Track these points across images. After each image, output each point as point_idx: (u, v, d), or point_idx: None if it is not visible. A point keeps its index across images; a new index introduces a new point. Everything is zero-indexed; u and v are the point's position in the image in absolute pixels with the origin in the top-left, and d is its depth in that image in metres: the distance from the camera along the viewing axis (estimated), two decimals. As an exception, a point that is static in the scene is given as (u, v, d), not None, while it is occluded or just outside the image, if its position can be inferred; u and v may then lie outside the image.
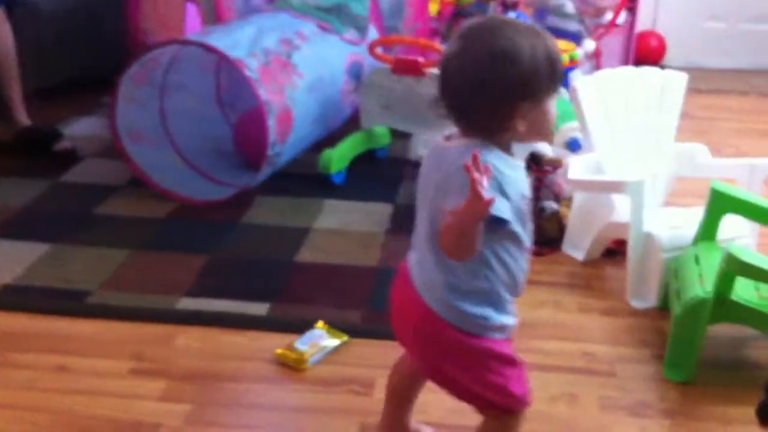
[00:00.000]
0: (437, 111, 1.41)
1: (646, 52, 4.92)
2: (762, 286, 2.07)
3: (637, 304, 2.35)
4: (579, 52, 3.92)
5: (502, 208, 1.31)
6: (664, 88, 2.67)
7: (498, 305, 1.45)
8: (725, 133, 3.95)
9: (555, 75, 1.38)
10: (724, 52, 5.08)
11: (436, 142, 1.47)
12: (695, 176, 2.59)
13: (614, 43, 4.47)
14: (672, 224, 2.38)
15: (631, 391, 1.99)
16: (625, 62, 4.45)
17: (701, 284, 2.03)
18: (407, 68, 3.05)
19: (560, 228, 2.65)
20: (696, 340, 2.01)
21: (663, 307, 2.30)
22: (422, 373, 1.61)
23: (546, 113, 1.39)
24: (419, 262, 1.48)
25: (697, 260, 2.16)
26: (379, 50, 3.19)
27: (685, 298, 2.03)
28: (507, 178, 1.34)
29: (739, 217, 2.29)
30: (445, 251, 1.37)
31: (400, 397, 1.72)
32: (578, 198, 2.63)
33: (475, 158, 1.27)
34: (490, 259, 1.40)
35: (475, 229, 1.31)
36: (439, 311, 1.44)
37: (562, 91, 3.52)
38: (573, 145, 3.10)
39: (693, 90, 4.58)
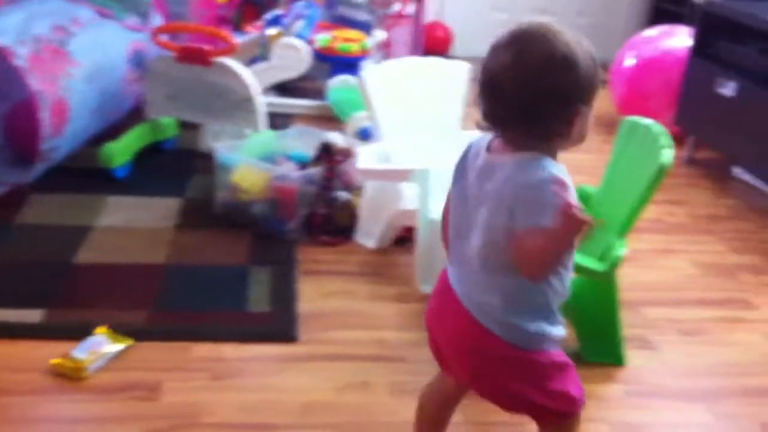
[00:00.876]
0: (483, 126, 1.34)
1: (434, 43, 5.06)
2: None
3: (426, 288, 2.39)
4: (369, 42, 3.97)
5: None
6: (448, 77, 2.73)
7: (550, 318, 1.42)
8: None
9: (599, 76, 1.35)
10: (506, 42, 5.31)
11: (477, 151, 1.40)
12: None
13: (403, 33, 4.56)
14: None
15: (422, 375, 2.00)
16: (414, 52, 4.55)
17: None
18: (193, 57, 2.95)
19: (352, 217, 2.66)
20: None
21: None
22: (475, 392, 1.52)
23: (589, 116, 1.35)
24: (467, 281, 1.42)
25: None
26: (163, 38, 3.07)
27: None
28: (572, 189, 1.30)
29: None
30: (528, 272, 1.33)
31: (435, 424, 1.67)
32: (369, 187, 2.64)
33: (561, 182, 1.26)
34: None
35: (569, 249, 1.31)
36: (498, 332, 1.39)
37: (352, 80, 3.55)
38: (364, 134, 3.13)
39: (476, 79, 4.80)
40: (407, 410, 1.87)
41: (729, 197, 3.37)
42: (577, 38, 1.32)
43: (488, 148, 1.38)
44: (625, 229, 2.05)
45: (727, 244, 2.92)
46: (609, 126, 2.89)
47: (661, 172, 1.95)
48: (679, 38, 3.89)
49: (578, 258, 2.12)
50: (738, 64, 3.41)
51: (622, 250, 2.01)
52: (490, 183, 1.35)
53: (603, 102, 4.56)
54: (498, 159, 1.35)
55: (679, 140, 3.87)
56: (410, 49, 4.56)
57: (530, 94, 1.29)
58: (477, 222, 1.37)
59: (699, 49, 3.62)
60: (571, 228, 1.25)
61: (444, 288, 1.48)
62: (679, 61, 3.78)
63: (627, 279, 2.57)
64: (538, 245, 1.28)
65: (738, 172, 3.61)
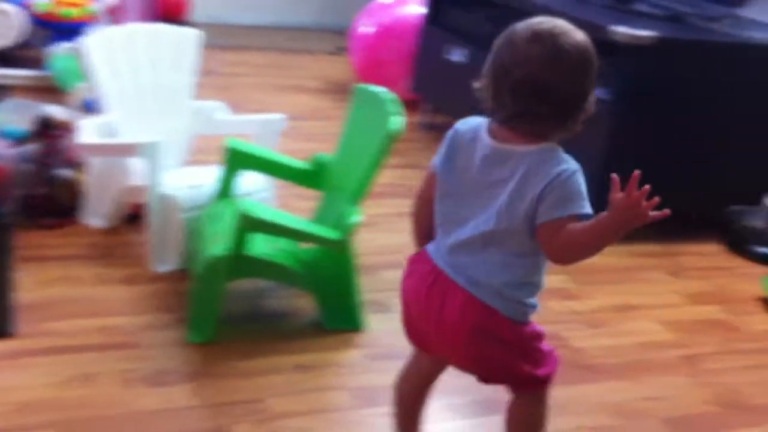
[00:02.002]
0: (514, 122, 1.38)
1: (169, 8, 4.84)
2: (276, 238, 2.13)
3: (160, 268, 2.28)
4: (97, 7, 3.71)
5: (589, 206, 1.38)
6: (177, 45, 2.61)
7: (537, 291, 1.50)
8: (249, 89, 4.06)
9: None
10: (247, 8, 5.21)
11: (472, 137, 1.44)
12: (214, 133, 2.57)
13: (134, -3, 4.32)
14: (192, 183, 2.34)
15: (154, 360, 1.92)
16: (148, 18, 4.33)
17: (219, 242, 2.02)
18: None
19: (75, 196, 2.47)
20: (215, 299, 2.00)
21: (186, 269, 2.27)
22: (463, 367, 1.57)
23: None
24: (466, 263, 1.45)
25: (215, 218, 2.15)
26: None
27: (204, 257, 2.01)
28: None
29: (256, 172, 2.33)
30: (562, 258, 1.42)
31: (414, 406, 1.70)
32: (94, 163, 2.47)
33: (633, 180, 1.30)
34: (537, 252, 1.44)
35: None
36: (502, 309, 1.45)
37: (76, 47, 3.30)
38: (89, 107, 2.92)
39: (217, 46, 4.66)
40: (141, 400, 1.78)
41: (462, 160, 3.51)
42: (577, 29, 1.40)
43: (492, 135, 1.42)
44: (358, 196, 2.05)
45: (461, 205, 3.04)
46: (347, 93, 2.90)
47: (390, 139, 1.97)
48: (413, 6, 3.99)
49: (313, 227, 2.11)
50: (468, 31, 3.55)
51: (356, 217, 2.02)
52: (502, 170, 1.41)
53: (341, 69, 4.61)
54: (513, 148, 1.40)
55: (416, 105, 4.00)
56: (142, 14, 4.33)
57: (568, 86, 1.37)
58: (486, 206, 1.42)
59: (431, 17, 3.73)
60: (628, 219, 1.32)
61: (427, 269, 1.50)
62: (414, 28, 3.88)
63: (366, 244, 2.61)
64: (584, 234, 1.36)
65: (470, 135, 3.78)
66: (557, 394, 1.95)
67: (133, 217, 2.49)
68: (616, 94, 2.67)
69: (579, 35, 1.39)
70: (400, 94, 3.96)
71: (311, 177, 2.26)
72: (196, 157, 2.67)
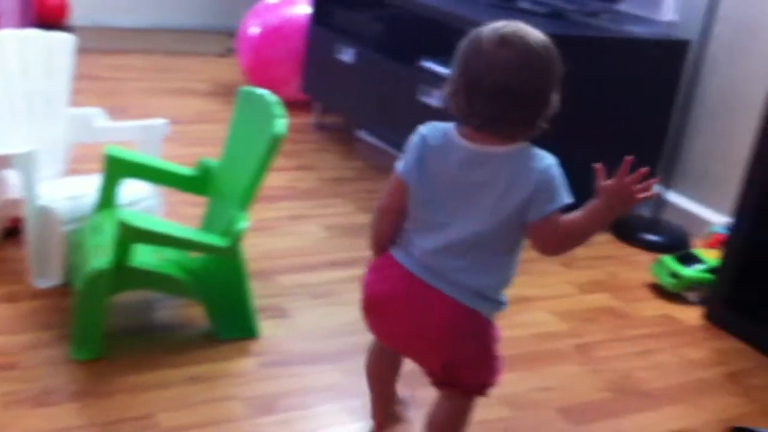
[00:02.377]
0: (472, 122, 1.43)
1: (48, 12, 4.68)
2: (162, 248, 2.07)
3: (41, 283, 2.19)
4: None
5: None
6: (50, 50, 2.49)
7: (508, 287, 1.53)
8: (133, 94, 3.94)
9: None
10: (129, 10, 5.07)
11: (444, 142, 1.47)
12: (93, 141, 2.48)
13: (9, 1, 4.15)
14: (71, 194, 2.25)
15: (36, 380, 1.83)
16: (26, 24, 4.16)
17: (101, 255, 1.95)
18: None
19: (-53, 212, 2.35)
20: (99, 314, 1.93)
21: (69, 284, 2.18)
22: (433, 370, 1.57)
23: None
24: (445, 267, 1.46)
25: (97, 230, 2.07)
26: None
27: (85, 271, 1.93)
28: None
29: (138, 180, 2.25)
30: (560, 250, 1.49)
31: (387, 386, 1.75)
32: (-34, 176, 2.35)
33: (625, 164, 1.40)
34: (518, 249, 1.50)
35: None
36: (482, 310, 1.49)
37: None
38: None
39: (99, 50, 4.53)
40: (23, 422, 1.70)
41: (355, 159, 3.51)
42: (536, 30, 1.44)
43: (466, 138, 1.45)
44: (245, 201, 2.01)
45: (355, 205, 3.03)
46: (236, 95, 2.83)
47: (275, 142, 1.93)
48: (301, 6, 3.95)
49: (198, 235, 2.05)
50: (354, 31, 3.53)
51: (244, 223, 1.97)
52: (482, 172, 1.43)
53: (230, 70, 4.54)
54: (492, 149, 1.43)
55: (308, 106, 3.96)
56: (18, 20, 4.16)
57: (541, 89, 1.41)
58: (468, 209, 1.45)
59: (318, 17, 3.70)
60: (619, 207, 1.42)
61: (399, 274, 1.51)
62: (301, 28, 3.84)
63: (259, 248, 2.57)
64: (581, 225, 1.44)
65: (362, 134, 3.77)
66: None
67: (10, 231, 2.37)
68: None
69: (541, 35, 1.43)
70: (291, 96, 3.95)
71: (197, 183, 2.20)
72: (75, 166, 2.56)
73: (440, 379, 1.58)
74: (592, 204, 1.43)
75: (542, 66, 1.41)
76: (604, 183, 1.41)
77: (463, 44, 1.45)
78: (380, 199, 1.58)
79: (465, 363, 1.54)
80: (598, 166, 1.42)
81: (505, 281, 1.52)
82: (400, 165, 1.52)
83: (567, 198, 1.44)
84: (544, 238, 1.46)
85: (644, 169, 1.41)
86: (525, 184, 1.42)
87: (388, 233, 1.58)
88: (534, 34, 1.42)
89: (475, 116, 1.42)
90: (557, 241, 1.46)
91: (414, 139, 1.51)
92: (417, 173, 1.49)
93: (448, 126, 1.49)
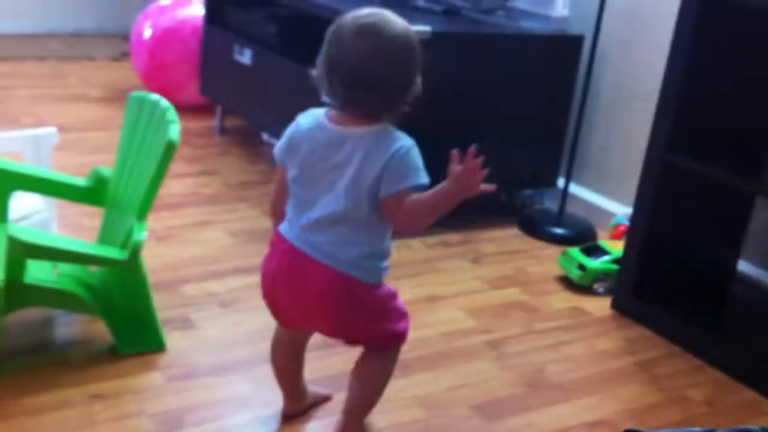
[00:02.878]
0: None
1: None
2: (60, 264, 1.98)
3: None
4: None
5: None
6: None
7: (388, 256, 1.65)
8: (23, 102, 3.78)
9: None
10: (19, 14, 4.88)
11: (314, 125, 1.58)
12: (-20, 153, 2.36)
13: None
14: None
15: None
16: None
17: (-8, 272, 1.85)
18: None
19: None
20: (-8, 335, 1.82)
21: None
22: (332, 335, 1.69)
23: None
24: (323, 241, 1.56)
25: (-13, 246, 1.96)
26: None
27: (-24, 290, 1.83)
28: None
29: (30, 192, 2.15)
30: (407, 227, 1.57)
31: (293, 369, 1.82)
32: None
33: (470, 154, 1.45)
34: (383, 223, 1.59)
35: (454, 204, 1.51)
36: (361, 277, 1.58)
37: None
38: None
39: (-15, 58, 4.34)
40: None
41: (260, 163, 3.45)
42: (400, 18, 1.54)
43: (330, 120, 1.57)
44: (143, 211, 1.93)
45: (261, 209, 2.97)
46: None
47: (170, 149, 1.87)
48: (195, 7, 3.86)
49: (94, 248, 1.97)
50: (250, 31, 3.47)
51: (142, 233, 1.90)
52: (341, 152, 1.54)
53: (126, 74, 4.41)
54: (349, 130, 1.55)
55: (209, 110, 3.88)
56: None
57: (396, 79, 1.52)
58: (331, 188, 1.55)
59: (212, 17, 3.62)
60: (463, 190, 1.48)
61: (284, 248, 1.61)
62: (197, 30, 3.75)
63: (163, 258, 2.50)
64: (423, 204, 1.51)
65: (266, 137, 3.71)
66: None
67: None
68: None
69: (401, 26, 1.53)
70: (191, 99, 3.86)
71: (90, 193, 2.11)
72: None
73: (348, 341, 1.71)
74: (439, 186, 1.51)
75: (395, 55, 1.52)
76: (454, 167, 1.48)
77: (328, 31, 1.56)
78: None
79: (359, 328, 1.66)
80: (453, 151, 1.49)
81: (377, 253, 1.62)
82: (277, 149, 1.65)
83: (418, 179, 1.54)
84: (390, 214, 1.56)
85: (481, 158, 1.47)
86: (376, 162, 1.52)
87: (277, 210, 1.70)
88: (393, 24, 1.52)
89: (334, 98, 1.55)
90: (402, 219, 1.55)
91: (291, 126, 1.64)
92: (287, 153, 1.62)
93: (321, 111, 1.61)
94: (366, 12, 1.54)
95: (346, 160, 1.54)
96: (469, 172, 1.47)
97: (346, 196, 1.54)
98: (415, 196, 1.53)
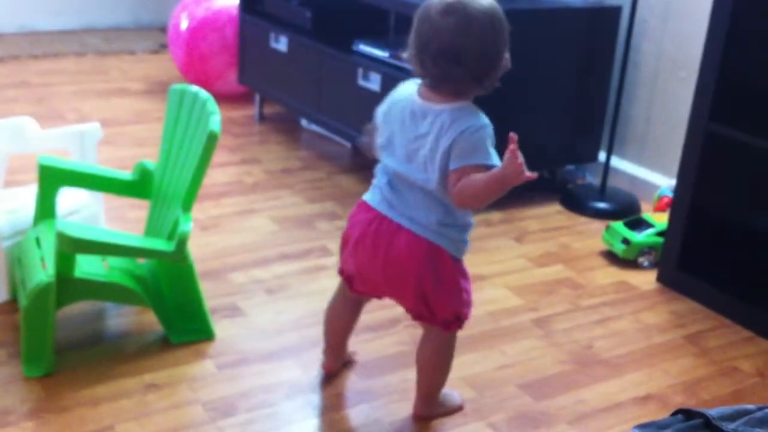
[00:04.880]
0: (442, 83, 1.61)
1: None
2: (108, 257, 2.02)
3: None
4: None
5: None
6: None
7: (469, 229, 1.71)
8: (65, 98, 3.84)
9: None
10: (55, 13, 4.94)
11: (407, 97, 1.66)
12: (27, 151, 2.40)
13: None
14: (9, 208, 2.18)
15: None
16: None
17: (44, 268, 1.89)
18: None
19: None
20: (47, 329, 1.86)
21: (16, 300, 2.11)
22: (406, 304, 1.75)
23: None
24: (408, 206, 1.66)
25: (38, 242, 2.01)
26: None
27: (30, 285, 1.87)
28: None
29: (77, 188, 2.19)
30: (462, 204, 1.61)
31: (348, 328, 1.91)
32: None
33: (512, 139, 1.48)
34: None
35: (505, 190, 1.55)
36: (442, 243, 1.65)
37: None
38: None
39: (30, 56, 4.41)
40: None
41: (300, 149, 3.46)
42: None
43: (419, 95, 1.64)
44: (188, 202, 1.96)
45: (303, 195, 2.99)
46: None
47: (212, 140, 1.89)
48: (230, -5, 3.88)
49: (141, 241, 2.01)
50: (285, 18, 3.48)
51: (188, 224, 1.92)
52: (423, 125, 1.62)
53: (166, 67, 4.45)
54: (432, 105, 1.62)
55: (248, 98, 3.90)
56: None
57: (484, 54, 1.57)
58: (415, 158, 1.63)
59: (247, 6, 3.64)
60: (510, 177, 1.50)
61: (369, 217, 1.70)
62: (232, 19, 3.77)
63: (209, 248, 2.53)
64: (478, 185, 1.55)
65: (305, 123, 3.73)
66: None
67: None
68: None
69: (486, 2, 1.58)
70: (230, 88, 3.89)
71: (136, 187, 2.15)
72: (10, 178, 2.49)
73: (417, 313, 1.74)
74: (494, 170, 1.55)
75: (483, 31, 1.56)
76: (507, 153, 1.50)
77: (417, 13, 1.62)
78: None
79: (435, 299, 1.69)
80: (512, 134, 1.50)
81: (456, 225, 1.68)
82: (380, 107, 1.72)
83: (484, 159, 1.58)
84: (450, 189, 1.61)
85: (514, 142, 1.49)
86: (447, 138, 1.59)
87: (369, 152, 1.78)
88: (478, 2, 1.57)
89: (426, 76, 1.62)
90: (456, 194, 1.60)
91: (392, 91, 1.72)
92: (382, 117, 1.71)
93: (417, 83, 1.68)
94: None
95: (426, 133, 1.62)
96: (512, 158, 1.48)
97: (425, 168, 1.62)
98: (474, 175, 1.57)
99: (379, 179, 1.73)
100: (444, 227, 1.66)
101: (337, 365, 1.96)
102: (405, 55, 1.65)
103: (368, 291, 1.82)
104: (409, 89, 1.69)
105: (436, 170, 1.61)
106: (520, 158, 1.48)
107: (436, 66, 1.58)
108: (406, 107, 1.66)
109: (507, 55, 1.61)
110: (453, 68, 1.58)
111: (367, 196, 1.74)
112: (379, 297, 1.85)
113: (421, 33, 1.59)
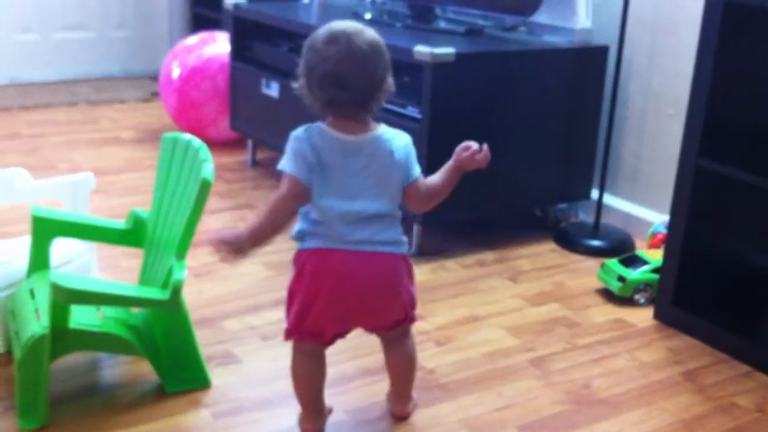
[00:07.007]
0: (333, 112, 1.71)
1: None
2: (102, 306, 2.01)
3: None
4: None
5: None
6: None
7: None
8: (57, 148, 3.84)
9: None
10: (45, 64, 4.97)
11: (321, 138, 1.70)
12: (18, 203, 2.39)
13: None
14: (1, 259, 2.18)
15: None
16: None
17: (38, 319, 1.88)
18: None
19: None
20: (41, 381, 1.84)
21: (10, 352, 2.10)
22: (379, 322, 1.83)
23: None
24: (366, 233, 1.71)
25: (32, 294, 2.00)
26: None
27: (24, 337, 1.86)
28: None
29: (70, 238, 2.19)
30: (428, 207, 1.81)
31: (322, 382, 1.87)
32: None
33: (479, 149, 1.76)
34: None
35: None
36: (401, 251, 1.77)
37: None
38: None
39: (20, 107, 4.43)
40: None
41: (292, 193, 3.46)
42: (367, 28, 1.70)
43: (335, 129, 1.70)
44: (182, 250, 1.95)
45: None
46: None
47: (206, 188, 1.89)
48: (220, 44, 3.91)
49: (135, 290, 2.00)
50: (275, 64, 3.50)
51: (182, 272, 1.92)
52: (358, 159, 1.70)
53: (157, 115, 4.47)
54: (360, 137, 1.71)
55: (240, 144, 3.92)
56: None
57: (373, 78, 1.67)
58: (364, 190, 1.70)
59: (237, 54, 3.67)
60: (468, 157, 1.76)
61: (340, 259, 1.70)
62: (223, 67, 3.80)
63: (203, 295, 2.52)
64: (440, 186, 1.78)
65: (297, 167, 3.73)
66: (416, 419, 1.92)
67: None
68: (426, 112, 2.70)
69: (369, 33, 1.68)
70: (222, 135, 3.90)
71: (129, 236, 2.14)
72: (3, 229, 2.48)
73: (397, 322, 1.83)
74: (446, 165, 1.78)
75: (365, 58, 1.65)
76: (461, 153, 1.76)
77: (304, 44, 1.72)
78: (278, 197, 1.69)
79: (409, 294, 1.81)
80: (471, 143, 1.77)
81: (400, 230, 1.80)
82: (286, 166, 1.70)
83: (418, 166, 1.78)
84: (413, 198, 1.77)
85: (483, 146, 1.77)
86: (396, 159, 1.72)
87: (284, 226, 1.72)
88: (362, 32, 1.67)
89: (314, 102, 1.70)
90: (424, 200, 1.78)
91: (299, 137, 1.72)
92: (309, 173, 1.69)
93: (316, 125, 1.73)
94: (336, 23, 1.69)
95: (365, 167, 1.70)
96: (462, 147, 1.76)
97: (378, 196, 1.72)
98: (430, 178, 1.78)
99: (316, 225, 1.71)
100: (400, 236, 1.77)
101: (319, 424, 1.90)
102: (295, 85, 1.74)
103: (347, 328, 1.83)
104: (316, 133, 1.71)
105: (392, 192, 1.73)
106: (470, 144, 1.74)
107: (323, 90, 1.67)
108: (334, 149, 1.70)
109: (390, 80, 1.72)
110: (339, 93, 1.66)
111: (315, 243, 1.71)
112: (350, 329, 1.84)
113: (309, 60, 1.69)
